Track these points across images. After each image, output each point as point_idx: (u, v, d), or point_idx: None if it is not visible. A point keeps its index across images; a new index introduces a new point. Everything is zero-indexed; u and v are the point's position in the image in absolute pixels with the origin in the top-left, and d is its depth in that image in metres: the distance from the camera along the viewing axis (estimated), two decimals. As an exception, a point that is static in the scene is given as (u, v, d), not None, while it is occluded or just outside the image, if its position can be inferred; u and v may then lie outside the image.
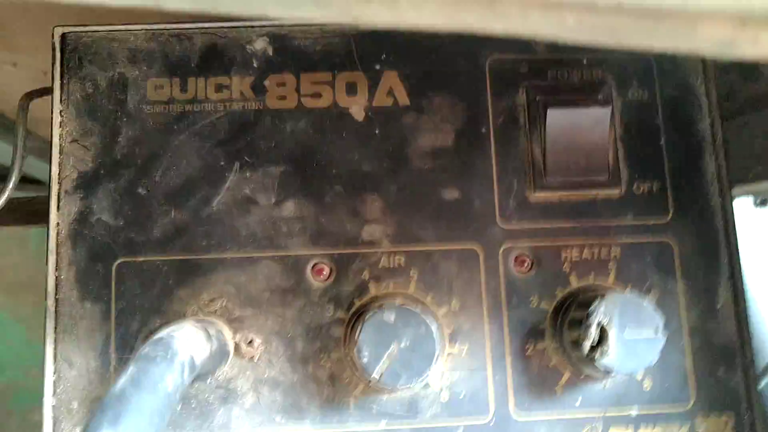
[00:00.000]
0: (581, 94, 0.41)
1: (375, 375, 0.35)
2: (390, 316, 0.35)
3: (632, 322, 0.36)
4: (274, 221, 0.40)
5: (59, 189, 0.39)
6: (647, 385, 0.39)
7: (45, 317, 0.38)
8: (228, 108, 0.41)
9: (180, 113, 0.41)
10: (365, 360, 0.35)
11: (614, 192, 0.41)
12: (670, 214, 0.41)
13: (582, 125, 0.40)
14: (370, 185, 0.40)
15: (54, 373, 0.38)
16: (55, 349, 0.38)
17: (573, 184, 0.41)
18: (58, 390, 0.38)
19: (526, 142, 0.41)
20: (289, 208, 0.40)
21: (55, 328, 0.38)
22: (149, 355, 0.29)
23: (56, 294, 0.38)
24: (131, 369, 0.28)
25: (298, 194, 0.40)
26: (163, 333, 0.32)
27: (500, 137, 0.41)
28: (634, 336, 0.36)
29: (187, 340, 0.31)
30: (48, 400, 0.37)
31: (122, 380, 0.28)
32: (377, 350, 0.35)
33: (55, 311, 0.38)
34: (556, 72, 0.42)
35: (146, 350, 0.30)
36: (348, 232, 0.40)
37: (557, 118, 0.40)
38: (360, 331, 0.35)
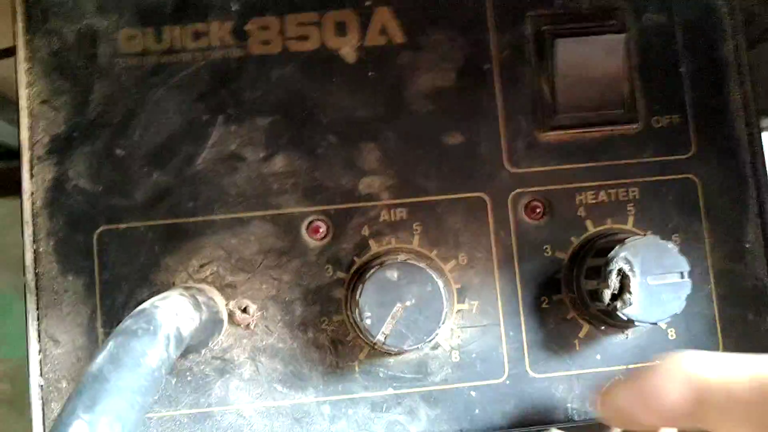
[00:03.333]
0: (592, 22, 0.38)
1: (379, 337, 0.32)
2: (393, 273, 0.33)
3: (656, 268, 0.33)
4: (263, 178, 0.37)
5: (31, 155, 0.36)
6: (672, 334, 0.37)
7: (25, 293, 0.36)
8: (208, 57, 0.37)
9: (156, 65, 0.37)
10: (368, 322, 0.32)
11: (631, 128, 0.38)
12: (693, 149, 0.38)
13: (594, 56, 0.37)
14: (366, 133, 0.37)
15: (39, 353, 0.35)
16: (39, 326, 0.36)
17: (586, 122, 0.37)
18: (44, 369, 0.35)
19: (534, 78, 0.38)
20: (280, 162, 0.37)
21: (37, 304, 0.36)
22: (130, 328, 0.27)
23: (35, 268, 0.36)
24: (110, 344, 0.26)
25: (289, 147, 0.37)
26: (146, 304, 0.29)
27: (505, 74, 0.38)
28: (658, 282, 0.33)
29: (172, 311, 0.29)
30: (35, 381, 0.35)
31: (99, 358, 0.25)
32: (381, 311, 0.32)
33: (36, 286, 0.36)
34: (564, -2, 0.38)
35: (126, 323, 0.27)
36: (344, 186, 0.37)
37: (567, 48, 0.37)
38: (361, 291, 0.33)
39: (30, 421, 0.35)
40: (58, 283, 0.36)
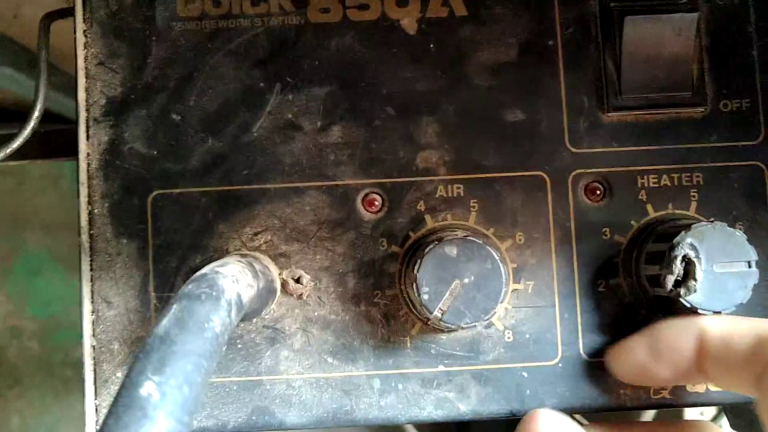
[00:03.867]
0: (662, -1, 0.36)
1: (436, 313, 0.32)
2: (452, 250, 0.32)
3: (722, 256, 0.32)
4: (320, 148, 0.36)
5: (87, 116, 0.36)
6: (731, 323, 0.36)
7: (80, 254, 0.36)
8: (266, 23, 0.37)
9: (214, 30, 0.37)
10: (426, 297, 0.32)
11: (698, 111, 0.36)
12: (762, 136, 0.37)
13: (664, 35, 0.36)
14: (425, 107, 0.36)
15: (92, 313, 0.35)
16: (92, 287, 0.36)
17: (651, 103, 0.36)
18: (97, 330, 0.35)
19: (599, 56, 0.37)
20: (336, 133, 0.36)
21: (91, 265, 0.36)
22: (193, 292, 0.27)
23: (90, 229, 0.36)
24: (174, 308, 0.26)
25: (346, 118, 0.36)
26: (206, 269, 0.29)
27: (569, 50, 0.37)
28: (724, 270, 0.32)
29: (233, 277, 0.29)
30: (87, 341, 0.35)
31: (165, 320, 0.25)
32: (439, 287, 0.32)
33: (90, 248, 0.36)
34: (634, -26, 0.37)
35: (189, 287, 0.27)
36: (401, 159, 0.36)
37: (636, 26, 0.36)
38: (419, 266, 0.32)
39: (83, 380, 0.35)
40: (111, 245, 0.36)
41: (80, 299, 0.35)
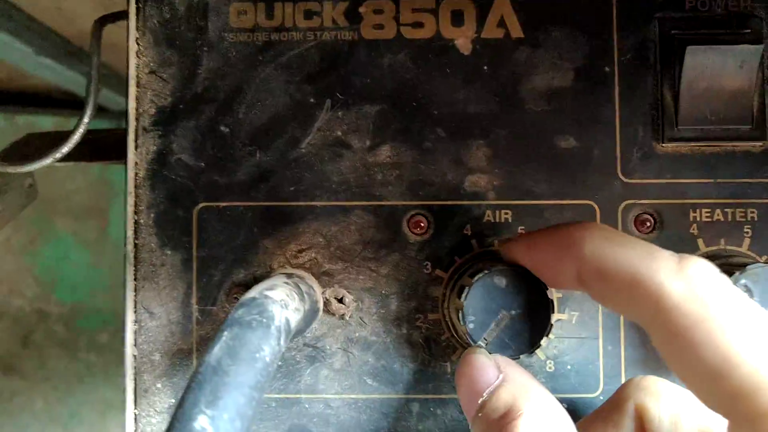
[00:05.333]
0: (726, 29, 0.36)
1: (480, 343, 0.32)
2: (501, 280, 0.32)
3: (777, 298, 0.31)
4: (368, 167, 0.36)
5: (137, 126, 0.36)
6: (779, 364, 0.35)
7: (124, 263, 0.36)
8: (318, 37, 0.36)
9: (265, 42, 0.36)
10: (471, 327, 0.32)
11: (757, 145, 0.36)
12: (821, 173, 0.36)
13: (725, 66, 0.35)
14: (476, 129, 0.36)
15: (135, 323, 0.36)
16: (136, 297, 0.36)
17: (708, 135, 0.36)
18: (139, 341, 0.36)
19: (656, 85, 0.36)
20: (385, 152, 0.36)
21: (135, 275, 0.36)
22: (243, 319, 0.27)
23: (135, 239, 0.36)
24: (225, 335, 0.26)
25: (396, 137, 0.36)
26: (255, 292, 0.29)
27: (626, 78, 0.36)
28: (778, 313, 0.31)
29: (282, 302, 0.28)
30: (129, 351, 0.35)
31: (217, 349, 0.25)
32: (485, 316, 0.32)
33: (135, 257, 0.36)
34: (696, 1, 0.36)
35: (239, 313, 0.27)
36: (449, 182, 0.36)
37: (697, 56, 0.35)
38: (467, 294, 0.32)
39: (123, 390, 0.35)
40: (156, 256, 0.36)
41: (124, 309, 0.35)
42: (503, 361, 0.31)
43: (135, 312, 0.36)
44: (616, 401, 0.31)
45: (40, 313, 1.24)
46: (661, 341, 0.26)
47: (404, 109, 0.36)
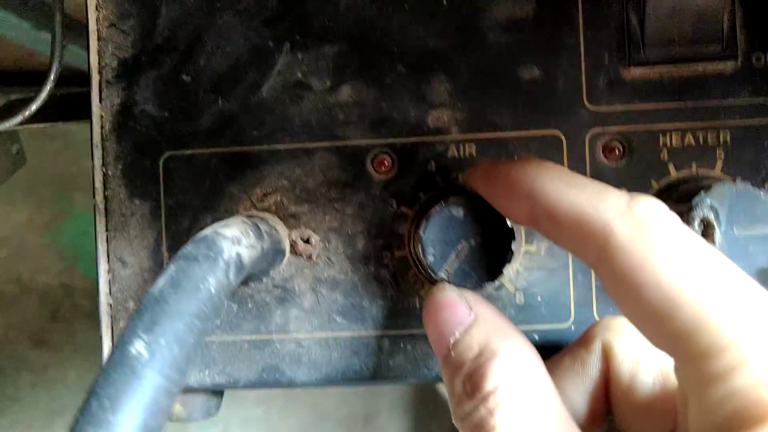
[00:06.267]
0: (692, -55, 0.34)
1: (442, 274, 0.32)
2: (459, 210, 0.31)
3: (745, 218, 0.31)
4: (329, 108, 0.36)
5: (100, 79, 0.36)
6: (756, 288, 0.34)
7: (95, 214, 0.36)
8: (275, -20, 0.36)
9: (223, -11, 0.36)
10: (431, 259, 0.32)
11: (728, 65, 0.34)
12: (797, 90, 0.34)
13: (692, -17, 0.34)
14: (437, 64, 0.35)
15: (108, 273, 0.36)
16: (108, 248, 0.36)
17: (677, 57, 0.34)
18: (113, 290, 0.36)
19: (621, 7, 0.35)
20: (346, 92, 0.36)
21: (107, 226, 0.36)
22: (191, 253, 0.27)
23: (105, 191, 0.36)
24: (170, 269, 0.26)
25: (356, 77, 0.35)
26: (207, 230, 0.29)
27: (589, 2, 0.35)
28: (746, 234, 0.30)
29: (234, 238, 0.29)
30: (104, 299, 0.36)
31: (160, 281, 0.25)
32: (444, 248, 0.32)
33: (105, 209, 0.36)
34: None
35: (188, 248, 0.27)
36: (412, 119, 0.35)
37: (661, -25, 0.33)
38: (425, 227, 0.32)
39: (99, 337, 0.36)
40: (125, 206, 0.36)
41: (96, 259, 0.36)
42: (473, 298, 0.30)
43: (108, 262, 0.36)
44: (585, 340, 0.31)
45: (66, 287, 1.28)
46: (608, 282, 0.25)
47: (363, 48, 0.35)
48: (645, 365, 0.30)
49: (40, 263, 1.32)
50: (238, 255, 0.28)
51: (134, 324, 0.23)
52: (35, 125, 0.39)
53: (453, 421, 0.29)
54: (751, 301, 0.22)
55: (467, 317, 0.29)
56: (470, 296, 0.30)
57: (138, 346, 0.23)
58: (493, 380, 0.27)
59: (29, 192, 1.31)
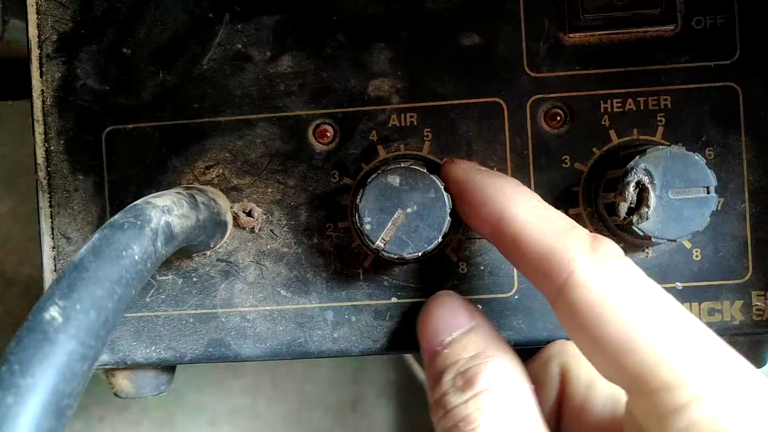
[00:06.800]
0: None
1: (378, 243, 0.31)
2: (395, 179, 0.31)
3: (679, 181, 0.30)
4: (270, 78, 0.35)
5: (40, 53, 0.36)
6: (697, 254, 0.34)
7: (37, 191, 0.36)
8: (214, -49, 0.36)
9: (162, -40, 0.36)
10: (368, 227, 0.31)
11: (668, 29, 0.34)
12: (737, 54, 0.34)
13: (629, -53, 0.33)
14: (377, 32, 0.35)
15: (53, 249, 0.36)
16: (52, 224, 0.36)
17: (616, 22, 0.34)
18: (58, 266, 0.36)
19: (561, -27, 0.35)
20: (287, 62, 0.35)
21: (50, 202, 0.36)
22: (117, 222, 0.27)
23: (47, 166, 0.36)
24: (95, 237, 0.26)
25: (296, 46, 0.35)
26: (138, 201, 0.29)
27: (529, -31, 0.35)
28: (680, 197, 0.30)
29: (164, 207, 0.28)
30: (48, 276, 0.36)
31: (83, 249, 0.25)
32: (381, 216, 0.31)
33: (48, 185, 0.36)
34: None
35: (115, 217, 0.27)
36: (353, 88, 0.35)
37: (598, -61, 0.33)
38: (362, 196, 0.31)
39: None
40: (68, 181, 0.36)
41: (39, 235, 0.36)
42: (476, 309, 0.32)
43: (52, 238, 0.36)
44: (542, 361, 0.33)
45: (46, 277, 1.27)
46: (566, 315, 0.26)
47: (303, 17, 0.35)
48: (598, 390, 0.31)
49: (24, 255, 1.31)
50: (168, 224, 0.28)
51: (51, 290, 0.23)
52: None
53: (430, 413, 0.30)
54: (703, 343, 0.24)
55: (466, 323, 0.31)
56: (472, 307, 0.32)
57: (52, 312, 0.22)
58: (487, 381, 0.28)
59: (10, 184, 1.30)
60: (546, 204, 0.29)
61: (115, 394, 0.38)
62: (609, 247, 0.27)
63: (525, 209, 0.28)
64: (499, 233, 0.29)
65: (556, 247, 0.27)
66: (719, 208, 0.33)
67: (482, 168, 0.32)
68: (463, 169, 0.32)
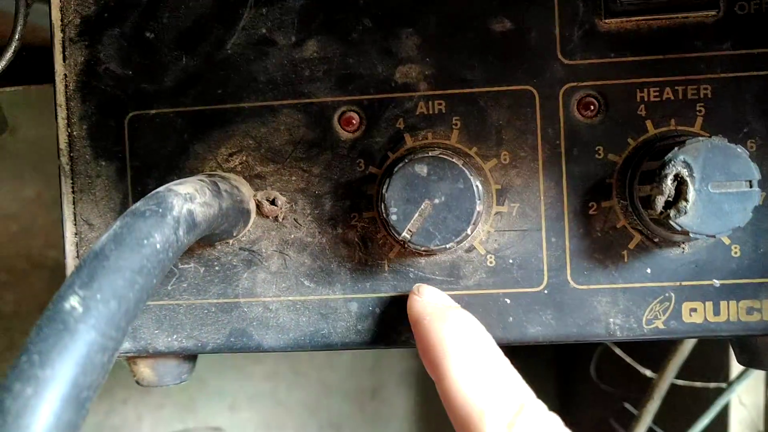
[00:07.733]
0: None
1: (405, 234, 0.31)
2: (422, 168, 0.30)
3: (719, 174, 0.29)
4: (295, 64, 0.34)
5: (63, 37, 0.36)
6: (736, 251, 0.33)
7: (60, 176, 0.36)
8: (239, -67, 0.35)
9: (187, -57, 0.35)
10: (394, 218, 0.31)
11: (709, 14, 0.33)
12: (782, 41, 0.33)
13: (671, -72, 0.32)
14: (404, 17, 0.34)
15: (75, 235, 0.36)
16: (74, 210, 0.36)
17: (655, 7, 0.33)
18: (80, 252, 0.36)
19: (598, -44, 0.33)
20: (312, 47, 0.34)
21: (72, 188, 0.36)
22: (139, 209, 0.26)
23: (70, 152, 0.36)
24: (116, 225, 0.25)
25: (321, 31, 0.34)
26: (161, 188, 0.28)
27: (565, -49, 0.33)
28: (720, 190, 0.29)
29: (187, 195, 0.28)
30: (71, 263, 0.36)
31: (104, 237, 0.25)
32: (408, 207, 0.31)
33: (71, 170, 0.36)
34: None
35: (137, 205, 0.27)
36: (379, 75, 0.34)
37: None
38: (388, 186, 0.31)
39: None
40: (91, 167, 0.36)
41: (62, 221, 0.36)
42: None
43: (75, 224, 0.36)
44: None
45: (72, 261, 1.28)
46: None
47: (329, 1, 0.34)
48: None
49: (49, 239, 1.32)
50: (190, 212, 0.27)
51: (71, 280, 0.23)
52: (12, 88, 0.38)
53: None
54: None
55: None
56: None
57: (72, 302, 0.22)
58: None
59: (37, 168, 1.31)
60: (490, 358, 0.29)
61: (137, 382, 0.38)
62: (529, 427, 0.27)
63: (458, 367, 0.28)
64: (436, 383, 0.29)
65: (472, 418, 0.27)
66: (762, 202, 0.32)
67: (440, 305, 0.32)
68: (421, 305, 0.32)
